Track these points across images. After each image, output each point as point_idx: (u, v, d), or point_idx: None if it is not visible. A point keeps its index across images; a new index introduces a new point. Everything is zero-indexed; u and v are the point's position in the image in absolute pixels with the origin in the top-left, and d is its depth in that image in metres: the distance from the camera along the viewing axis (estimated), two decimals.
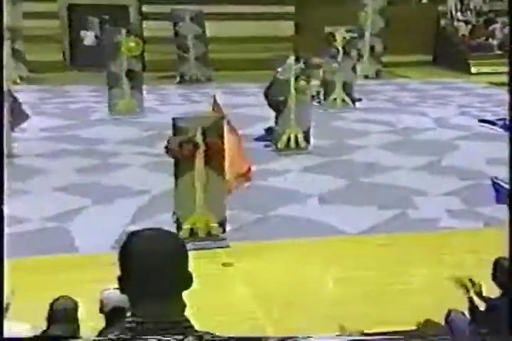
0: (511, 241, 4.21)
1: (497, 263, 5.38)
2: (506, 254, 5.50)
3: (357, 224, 9.03)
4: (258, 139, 12.76)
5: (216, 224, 8.36)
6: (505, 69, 17.60)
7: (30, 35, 19.08)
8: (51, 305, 4.87)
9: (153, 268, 2.06)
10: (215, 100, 9.90)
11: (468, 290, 5.35)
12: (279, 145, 12.42)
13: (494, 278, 5.33)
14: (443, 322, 5.08)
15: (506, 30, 21.30)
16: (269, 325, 6.35)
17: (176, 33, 19.45)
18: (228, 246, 8.16)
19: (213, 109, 9.68)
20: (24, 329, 5.02)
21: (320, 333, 5.37)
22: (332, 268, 7.66)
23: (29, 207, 9.51)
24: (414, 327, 5.09)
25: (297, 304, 6.67)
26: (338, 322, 5.84)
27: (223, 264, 7.56)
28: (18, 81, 17.55)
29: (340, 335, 5.15)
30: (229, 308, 6.34)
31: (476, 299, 5.36)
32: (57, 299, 4.91)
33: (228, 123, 8.70)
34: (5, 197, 9.34)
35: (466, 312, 5.31)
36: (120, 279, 2.10)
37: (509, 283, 5.23)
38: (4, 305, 4.93)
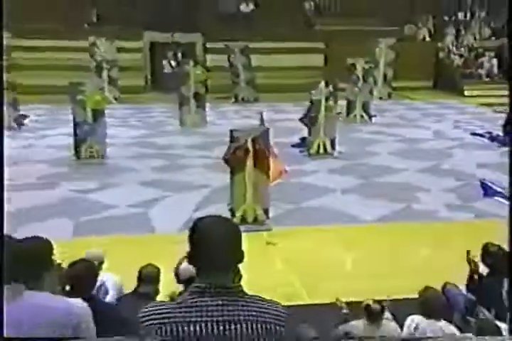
0: (511, 232, 4.08)
1: (485, 248, 5.32)
2: (500, 242, 5.45)
3: (372, 213, 8.97)
4: (294, 146, 12.74)
5: (261, 212, 8.37)
6: (492, 92, 17.62)
7: (122, 66, 19.39)
8: (140, 270, 4.94)
9: (216, 246, 2.06)
10: (261, 116, 9.92)
11: (473, 264, 5.31)
12: (311, 151, 12.38)
13: (483, 259, 5.27)
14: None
15: (493, 62, 21.11)
16: (304, 291, 6.36)
17: (230, 63, 19.58)
18: (270, 230, 8.15)
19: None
20: (117, 280, 5.30)
21: (341, 297, 5.34)
22: (351, 249, 7.64)
23: (118, 197, 9.60)
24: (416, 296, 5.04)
25: (324, 275, 6.65)
26: (354, 289, 5.87)
27: (267, 243, 7.55)
28: (113, 101, 17.75)
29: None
30: (271, 278, 6.34)
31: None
32: (145, 266, 4.97)
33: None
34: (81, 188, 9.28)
35: (459, 285, 5.32)
36: (189, 254, 2.11)
37: (495, 264, 5.19)
38: (97, 263, 5.09)
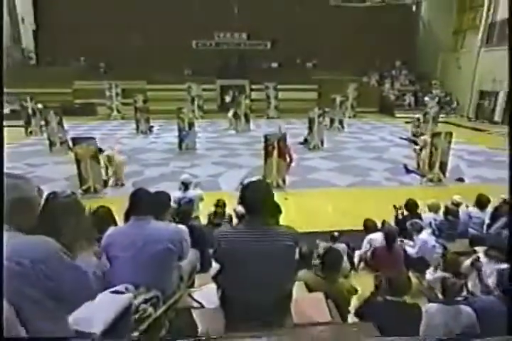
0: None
1: (407, 201, 5.30)
2: (411, 197, 5.33)
3: (343, 182, 8.85)
4: (300, 143, 12.44)
5: (281, 181, 8.34)
6: (411, 115, 17.26)
7: (205, 98, 19.39)
8: (214, 209, 5.21)
9: (258, 197, 2.04)
10: (279, 128, 9.79)
11: (397, 211, 5.24)
12: (309, 147, 12.16)
13: (406, 207, 5.21)
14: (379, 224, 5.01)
15: (411, 98, 20.86)
16: (303, 224, 6.19)
17: (267, 95, 19.29)
18: (286, 191, 8.08)
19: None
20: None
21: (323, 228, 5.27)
22: (333, 201, 7.52)
23: (200, 171, 9.60)
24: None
25: (316, 215, 6.62)
26: (332, 223, 5.83)
27: (285, 198, 7.49)
28: (199, 118, 17.71)
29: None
30: (286, 217, 6.27)
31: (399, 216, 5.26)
32: (216, 207, 5.18)
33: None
34: (185, 168, 9.31)
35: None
36: (242, 201, 2.11)
37: (411, 209, 5.11)
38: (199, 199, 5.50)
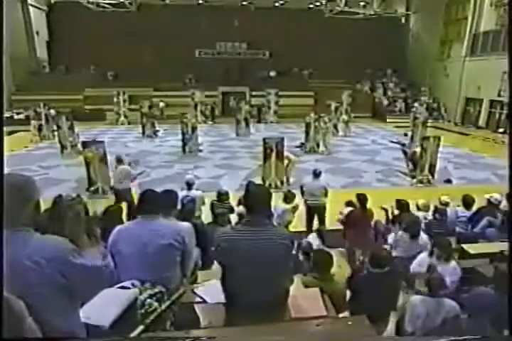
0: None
1: (397, 201, 5.28)
2: (400, 197, 5.30)
3: (338, 183, 8.80)
4: (297, 147, 12.35)
5: (279, 182, 8.32)
6: (401, 120, 17.27)
7: (207, 104, 19.27)
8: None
9: (257, 198, 2.04)
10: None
11: (386, 211, 5.23)
12: (306, 150, 12.14)
13: (397, 206, 5.18)
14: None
15: (402, 104, 20.89)
16: (299, 223, 6.10)
17: (267, 101, 19.21)
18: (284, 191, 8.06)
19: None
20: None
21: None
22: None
23: (203, 173, 9.59)
24: None
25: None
26: (328, 222, 5.71)
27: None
28: (202, 122, 17.58)
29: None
30: None
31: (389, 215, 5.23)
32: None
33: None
34: (191, 169, 9.29)
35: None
36: (243, 201, 2.11)
37: (402, 209, 5.08)
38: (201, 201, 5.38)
